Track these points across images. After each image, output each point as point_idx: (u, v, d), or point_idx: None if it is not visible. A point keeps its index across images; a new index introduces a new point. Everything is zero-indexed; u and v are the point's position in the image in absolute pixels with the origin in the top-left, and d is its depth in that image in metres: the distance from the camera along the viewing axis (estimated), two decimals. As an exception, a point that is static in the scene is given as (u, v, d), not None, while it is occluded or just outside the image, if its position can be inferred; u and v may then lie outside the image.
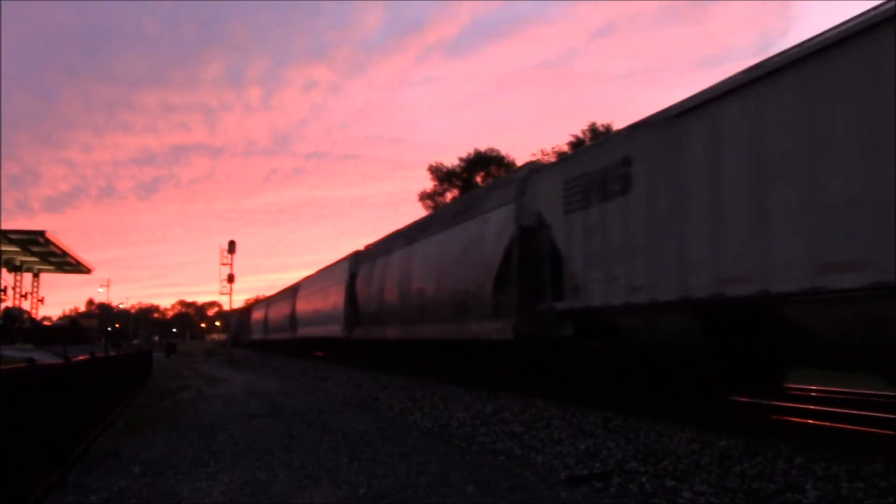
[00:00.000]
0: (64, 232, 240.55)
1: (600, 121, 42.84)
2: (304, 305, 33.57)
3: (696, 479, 5.59)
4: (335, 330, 25.71)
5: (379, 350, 22.42)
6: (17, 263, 55.14)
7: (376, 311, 21.00)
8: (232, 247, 40.61)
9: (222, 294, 41.94)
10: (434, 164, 50.17)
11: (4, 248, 46.61)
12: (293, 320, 35.79)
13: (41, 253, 51.65)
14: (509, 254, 12.19)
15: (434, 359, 17.50)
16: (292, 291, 38.09)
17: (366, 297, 22.25)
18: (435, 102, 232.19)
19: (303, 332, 33.31)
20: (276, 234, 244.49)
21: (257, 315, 54.07)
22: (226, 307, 55.19)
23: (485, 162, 48.85)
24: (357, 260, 24.96)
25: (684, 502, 5.06)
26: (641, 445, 6.97)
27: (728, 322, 7.74)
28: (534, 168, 13.24)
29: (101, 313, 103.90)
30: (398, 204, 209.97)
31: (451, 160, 53.87)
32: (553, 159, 33.82)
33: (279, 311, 42.06)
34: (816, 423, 7.83)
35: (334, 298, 26.43)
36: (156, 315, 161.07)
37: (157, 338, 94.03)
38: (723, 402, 8.82)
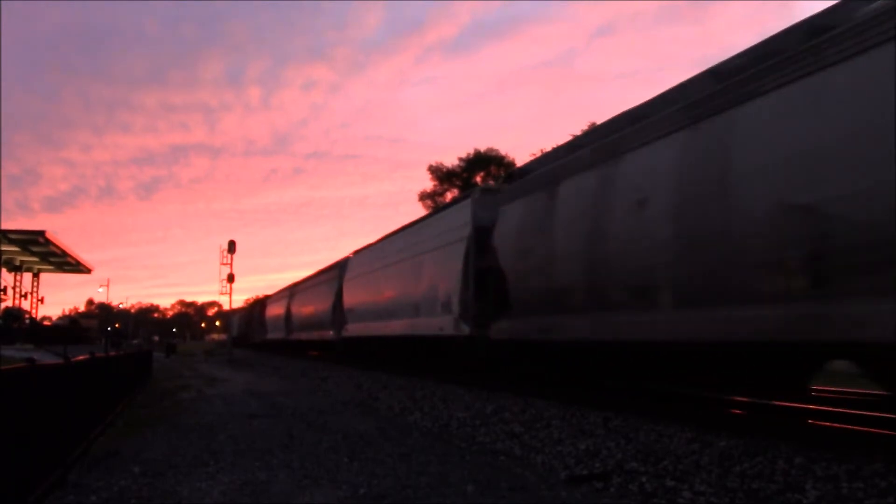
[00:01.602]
0: (64, 232, 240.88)
1: (600, 121, 42.80)
2: (357, 292, 23.35)
3: (696, 479, 5.58)
4: (442, 324, 14.84)
5: (568, 366, 11.51)
6: (17, 263, 55.10)
7: (566, 286, 10.32)
8: (232, 247, 40.58)
9: (222, 294, 41.88)
10: (434, 164, 50.27)
11: (4, 248, 46.58)
12: (338, 314, 25.88)
13: (41, 253, 51.63)
14: None
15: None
16: (336, 272, 27.63)
17: (524, 263, 11.62)
18: (435, 102, 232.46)
19: (356, 329, 23.30)
20: (276, 234, 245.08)
21: (275, 310, 44.01)
22: (226, 307, 54.35)
23: (485, 162, 48.89)
24: (489, 201, 13.91)
25: (684, 502, 5.06)
26: (641, 445, 6.97)
27: None
28: None
29: (101, 313, 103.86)
30: (398, 204, 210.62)
31: (451, 160, 53.91)
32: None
33: (312, 303, 31.88)
34: (816, 423, 7.83)
35: (434, 272, 15.81)
36: (156, 315, 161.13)
37: (157, 338, 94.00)
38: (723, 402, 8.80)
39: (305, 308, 33.56)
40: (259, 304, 55.15)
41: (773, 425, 7.55)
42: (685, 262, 7.87)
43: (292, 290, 39.27)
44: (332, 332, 26.95)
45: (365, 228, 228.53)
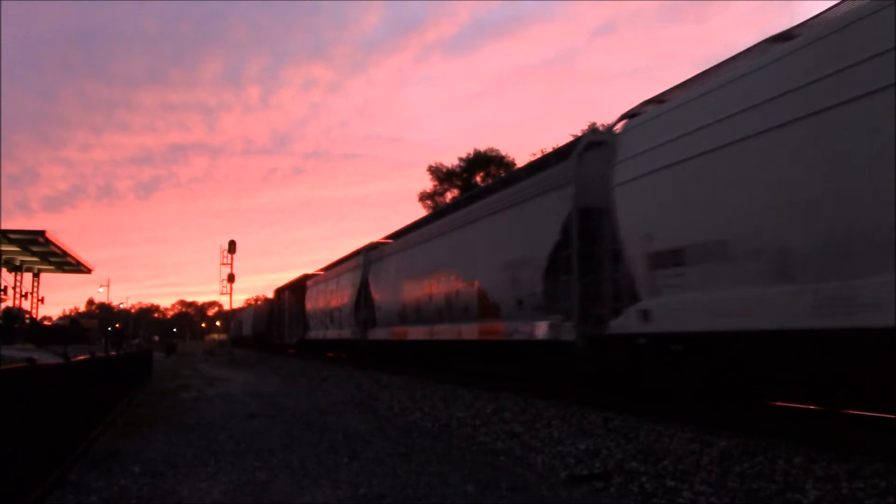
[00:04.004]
0: (64, 232, 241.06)
1: (601, 120, 42.83)
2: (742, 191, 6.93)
3: (696, 479, 5.59)
4: None
5: None
6: (17, 263, 55.07)
7: None
8: (232, 247, 40.61)
9: (222, 294, 41.90)
10: (434, 164, 50.29)
11: (4, 248, 46.54)
12: (582, 279, 9.89)
13: (41, 253, 51.60)
14: None
15: None
16: (562, 177, 10.62)
17: None
18: (435, 102, 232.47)
19: (720, 315, 7.24)
20: (276, 234, 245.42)
21: (326, 296, 28.08)
22: (226, 307, 53.86)
23: (485, 162, 48.90)
24: None
25: (684, 502, 5.06)
26: (641, 445, 6.97)
27: None
28: None
29: (101, 313, 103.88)
30: (398, 204, 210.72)
31: (451, 160, 53.98)
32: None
33: (450, 269, 15.48)
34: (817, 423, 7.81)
35: None
36: (156, 315, 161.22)
37: (157, 338, 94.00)
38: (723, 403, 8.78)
39: (418, 284, 17.67)
40: (293, 291, 37.12)
41: (773, 425, 7.55)
42: None
43: (368, 257, 22.93)
44: (544, 327, 11.12)
45: (365, 228, 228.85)
